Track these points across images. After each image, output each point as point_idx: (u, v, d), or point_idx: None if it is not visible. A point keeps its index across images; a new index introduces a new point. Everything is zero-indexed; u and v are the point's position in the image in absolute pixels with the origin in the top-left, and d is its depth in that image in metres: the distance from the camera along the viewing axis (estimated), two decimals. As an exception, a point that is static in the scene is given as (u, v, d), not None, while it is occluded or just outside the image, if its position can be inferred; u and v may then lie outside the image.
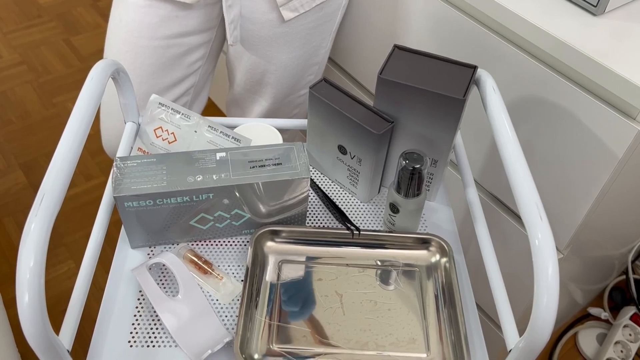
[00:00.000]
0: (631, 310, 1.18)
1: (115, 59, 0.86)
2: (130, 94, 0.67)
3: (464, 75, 0.60)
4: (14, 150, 1.56)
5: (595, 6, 0.65)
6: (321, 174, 0.72)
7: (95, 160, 1.55)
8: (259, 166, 0.59)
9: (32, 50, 1.87)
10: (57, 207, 0.45)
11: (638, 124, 0.61)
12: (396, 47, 0.62)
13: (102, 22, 2.01)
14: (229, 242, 0.63)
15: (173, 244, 0.62)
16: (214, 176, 0.57)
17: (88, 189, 1.47)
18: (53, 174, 0.47)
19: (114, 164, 0.57)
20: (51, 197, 0.45)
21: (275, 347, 0.54)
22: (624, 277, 1.26)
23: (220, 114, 1.65)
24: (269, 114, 0.98)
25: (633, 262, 1.21)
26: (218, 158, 0.59)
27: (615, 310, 1.23)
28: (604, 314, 1.21)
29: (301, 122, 0.74)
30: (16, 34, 1.93)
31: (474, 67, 0.60)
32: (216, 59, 0.95)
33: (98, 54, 1.88)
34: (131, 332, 0.55)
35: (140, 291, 0.58)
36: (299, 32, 0.84)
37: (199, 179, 0.57)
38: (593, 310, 1.22)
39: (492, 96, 0.58)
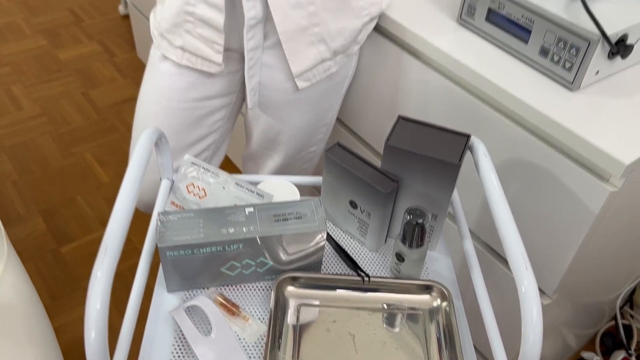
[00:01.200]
0: (621, 354, 1.24)
1: (147, 118, 0.96)
2: (167, 155, 0.76)
3: (459, 142, 0.69)
4: (34, 198, 1.64)
5: (571, 83, 0.76)
6: (334, 225, 0.80)
7: (110, 207, 1.63)
8: (282, 220, 0.67)
9: (52, 103, 1.99)
10: (117, 257, 0.54)
11: (610, 185, 0.70)
12: (400, 117, 0.72)
13: (118, 76, 2.13)
14: (253, 287, 0.71)
15: (204, 288, 0.70)
16: (244, 229, 0.66)
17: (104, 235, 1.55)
18: (113, 228, 0.55)
19: (157, 217, 0.66)
20: (113, 249, 0.54)
21: (297, 381, 0.61)
22: (614, 322, 1.33)
23: (233, 166, 1.74)
24: (282, 168, 1.07)
25: (621, 308, 1.28)
26: (247, 213, 0.68)
27: (607, 354, 1.29)
28: (596, 358, 1.27)
29: (316, 179, 0.83)
30: (37, 87, 2.05)
31: (468, 136, 0.70)
32: (235, 119, 1.05)
33: (114, 107, 1.99)
34: (169, 368, 0.62)
35: (176, 330, 0.65)
36: (311, 98, 0.94)
37: (231, 231, 0.65)
38: (586, 355, 1.28)
39: (484, 161, 0.67)
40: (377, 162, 1.10)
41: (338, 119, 1.15)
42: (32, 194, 1.65)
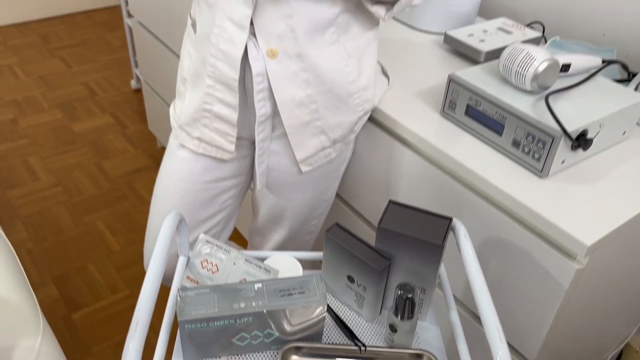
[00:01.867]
0: (611, 419, 1.29)
1: (165, 197, 1.06)
2: (185, 236, 0.85)
3: (443, 225, 0.79)
4: (47, 265, 1.72)
5: (541, 171, 0.87)
6: (333, 297, 0.89)
7: (120, 275, 1.71)
8: (287, 295, 0.76)
9: (66, 173, 2.10)
10: (146, 330, 0.62)
11: (577, 263, 0.79)
12: (391, 202, 0.82)
13: (130, 147, 2.26)
14: (260, 356, 0.79)
15: (216, 358, 0.78)
16: (253, 303, 0.74)
17: (114, 302, 1.62)
18: (143, 304, 0.64)
19: (177, 293, 0.75)
20: (142, 323, 0.62)
21: None
22: (603, 387, 1.38)
23: (240, 236, 1.83)
24: (286, 240, 1.17)
25: (609, 372, 1.34)
26: (256, 288, 0.76)
27: (597, 419, 1.34)
28: (587, 423, 1.31)
29: (317, 255, 0.93)
30: (53, 158, 2.17)
31: (450, 219, 0.80)
32: (243, 197, 1.16)
33: (125, 176, 2.10)
34: None
35: (191, 397, 0.73)
36: (312, 179, 1.05)
37: (242, 306, 0.74)
38: (577, 419, 1.33)
39: (464, 242, 0.77)
40: (372, 234, 1.20)
41: (337, 195, 1.26)
42: (45, 261, 1.73)
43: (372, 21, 0.95)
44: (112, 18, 3.32)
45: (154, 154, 2.23)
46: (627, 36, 1.21)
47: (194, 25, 0.97)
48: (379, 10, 0.89)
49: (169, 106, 2.02)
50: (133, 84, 2.65)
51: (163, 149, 2.26)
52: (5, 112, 2.39)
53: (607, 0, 1.23)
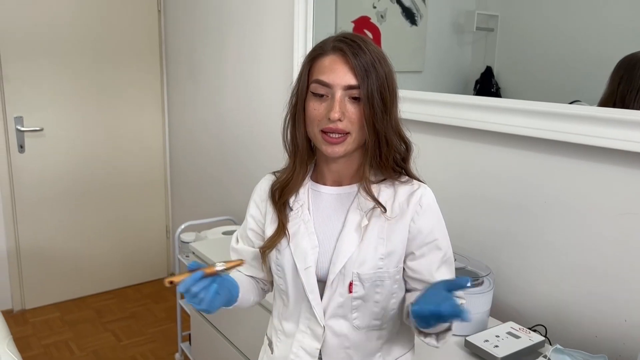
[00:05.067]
0: None
1: None
2: None
3: None
4: None
5: None
6: None
7: None
8: None
9: None
10: None
11: None
12: None
13: None
14: None
15: None
16: None
17: None
18: None
19: None
20: None
21: None
22: None
23: None
24: None
25: None
26: None
27: None
28: None
29: None
30: None
31: None
32: None
33: None
34: None
35: None
36: None
37: None
38: None
39: None
40: None
41: None
42: None
43: (409, 345, 1.23)
44: (158, 290, 3.71)
45: None
46: (615, 339, 1.47)
47: (270, 345, 1.25)
48: (431, 342, 1.11)
49: (214, 385, 2.21)
50: (177, 357, 2.86)
51: None
52: (59, 389, 2.57)
53: (595, 310, 1.52)
